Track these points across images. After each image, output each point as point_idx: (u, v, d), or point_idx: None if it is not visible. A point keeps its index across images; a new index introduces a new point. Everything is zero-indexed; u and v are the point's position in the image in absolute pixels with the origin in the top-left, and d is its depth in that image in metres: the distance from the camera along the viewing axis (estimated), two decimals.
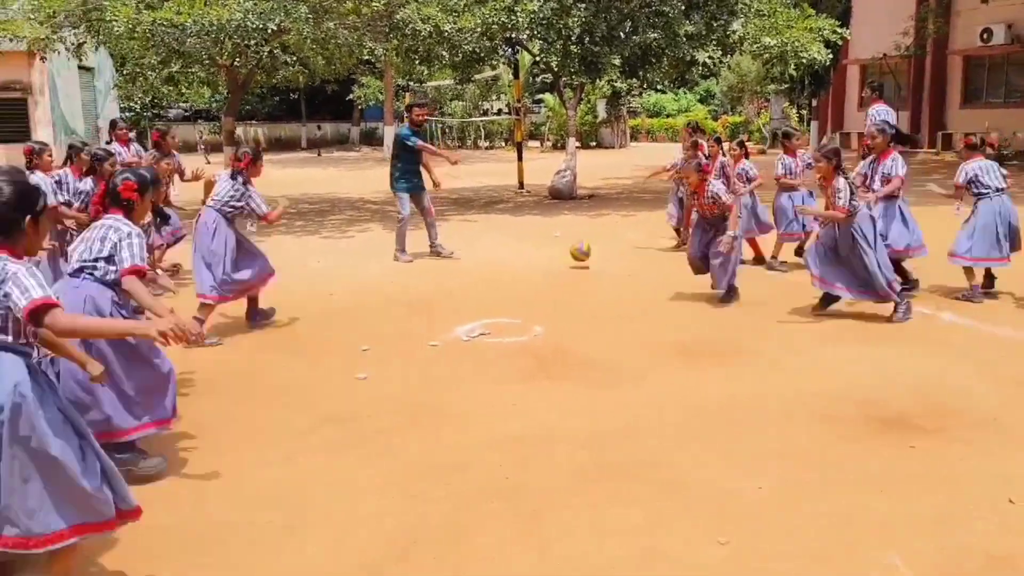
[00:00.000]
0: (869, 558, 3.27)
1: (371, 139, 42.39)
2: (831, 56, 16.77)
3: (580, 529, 3.55)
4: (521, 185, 18.37)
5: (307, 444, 4.53)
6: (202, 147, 31.90)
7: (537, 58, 16.34)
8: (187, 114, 45.70)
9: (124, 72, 14.19)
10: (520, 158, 18.94)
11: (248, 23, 10.90)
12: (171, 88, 15.49)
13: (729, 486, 3.90)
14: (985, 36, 23.50)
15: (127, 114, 41.06)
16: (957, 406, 4.82)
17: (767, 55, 16.39)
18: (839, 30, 16.55)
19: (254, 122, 41.90)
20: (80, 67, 31.09)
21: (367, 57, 13.51)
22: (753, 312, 7.08)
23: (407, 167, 9.77)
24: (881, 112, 11.09)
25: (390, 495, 3.91)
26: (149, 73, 13.41)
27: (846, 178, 6.59)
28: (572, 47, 15.09)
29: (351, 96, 40.05)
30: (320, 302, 7.83)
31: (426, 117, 10.47)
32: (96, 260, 4.10)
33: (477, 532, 3.55)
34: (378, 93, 37.32)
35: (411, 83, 34.90)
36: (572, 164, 16.81)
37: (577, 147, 18.29)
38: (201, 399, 5.25)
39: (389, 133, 21.87)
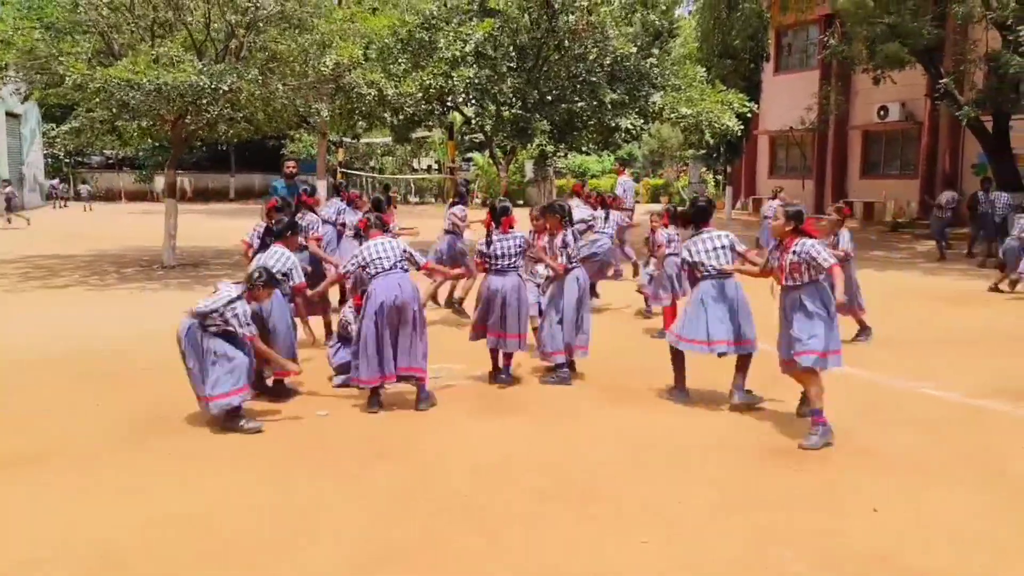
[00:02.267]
0: (766, 554, 4.02)
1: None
2: (742, 127, 18.23)
3: (544, 543, 4.20)
4: None
5: (274, 470, 5.09)
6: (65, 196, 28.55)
7: (472, 122, 17.27)
8: (110, 162, 45.27)
9: (71, 125, 14.46)
10: None
11: (202, 83, 11.44)
12: (112, 138, 15.78)
13: (659, 505, 4.63)
14: (882, 113, 25.59)
15: (50, 160, 40.64)
16: (838, 439, 5.67)
17: (684, 123, 17.76)
18: (748, 104, 18.03)
19: (180, 171, 41.71)
20: (7, 114, 30.83)
21: (308, 115, 14.13)
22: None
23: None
24: (624, 183, 14.64)
25: (361, 515, 4.50)
26: (97, 124, 13.73)
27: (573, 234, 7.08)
28: (504, 112, 16.06)
29: (283, 150, 40.43)
30: None
31: (294, 169, 11.20)
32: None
33: (447, 545, 4.13)
34: (310, 147, 37.84)
35: (344, 138, 35.54)
36: None
37: None
38: (193, 435, 5.75)
39: (321, 186, 22.67)
